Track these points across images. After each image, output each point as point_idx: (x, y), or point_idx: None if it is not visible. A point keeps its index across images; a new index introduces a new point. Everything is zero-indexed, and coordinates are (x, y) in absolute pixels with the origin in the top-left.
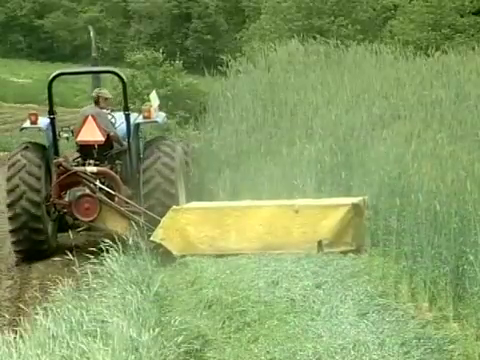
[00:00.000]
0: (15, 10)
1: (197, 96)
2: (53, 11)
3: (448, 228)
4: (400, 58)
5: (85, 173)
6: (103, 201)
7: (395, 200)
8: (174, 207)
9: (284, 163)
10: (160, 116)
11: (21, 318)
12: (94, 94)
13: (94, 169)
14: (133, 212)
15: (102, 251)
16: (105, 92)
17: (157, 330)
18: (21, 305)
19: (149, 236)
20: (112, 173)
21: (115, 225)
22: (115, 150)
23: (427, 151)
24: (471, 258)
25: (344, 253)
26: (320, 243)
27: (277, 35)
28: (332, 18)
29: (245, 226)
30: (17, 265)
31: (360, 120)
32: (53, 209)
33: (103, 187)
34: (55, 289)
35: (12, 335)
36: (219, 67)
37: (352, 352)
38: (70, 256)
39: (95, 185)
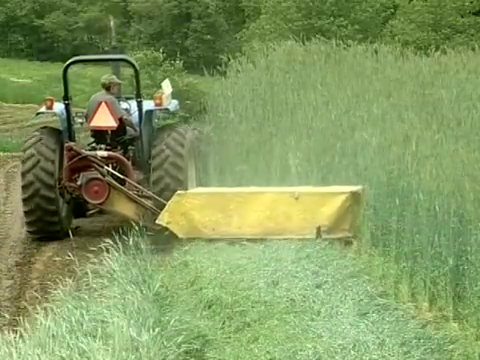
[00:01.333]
0: (15, 10)
1: (197, 96)
2: (53, 11)
3: (448, 228)
4: (400, 58)
5: (95, 157)
6: (112, 185)
7: (395, 200)
8: (179, 192)
9: (284, 163)
10: (172, 104)
11: (21, 318)
12: (105, 81)
13: (104, 153)
14: (142, 196)
15: (102, 250)
16: (114, 77)
17: (157, 330)
18: (21, 305)
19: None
20: (122, 158)
21: (124, 208)
22: (128, 136)
23: (427, 151)
24: (471, 258)
25: (342, 239)
26: (319, 229)
27: (277, 35)
28: (332, 18)
29: (247, 211)
30: (17, 265)
31: (360, 120)
32: (65, 191)
33: (112, 171)
34: (55, 289)
35: (12, 335)
36: (219, 67)
37: (352, 352)
38: (70, 256)
39: (107, 170)
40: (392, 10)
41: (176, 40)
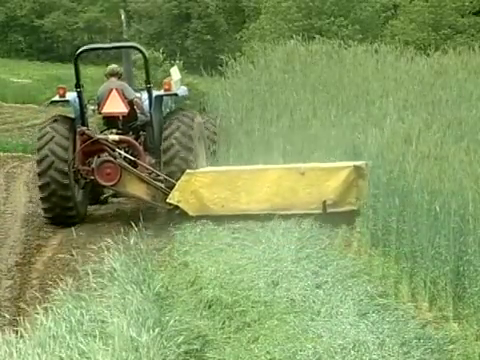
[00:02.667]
0: (15, 10)
1: (197, 96)
2: (53, 11)
3: (448, 228)
4: (400, 58)
5: (107, 141)
6: (123, 167)
7: (395, 200)
8: (188, 171)
9: (284, 162)
10: (181, 89)
11: (21, 318)
12: (113, 69)
13: (116, 137)
14: (154, 179)
15: (103, 250)
16: (118, 67)
17: (157, 330)
18: (21, 305)
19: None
20: (133, 141)
21: (135, 189)
22: (139, 122)
23: (427, 151)
24: (471, 258)
25: (348, 213)
26: (324, 203)
27: (277, 35)
28: (332, 18)
29: (254, 188)
30: (17, 265)
31: (360, 120)
32: (79, 176)
33: (124, 154)
34: (55, 289)
35: (12, 335)
36: (219, 67)
37: (352, 352)
38: (71, 255)
39: (119, 153)
40: (393, 11)
41: (176, 40)
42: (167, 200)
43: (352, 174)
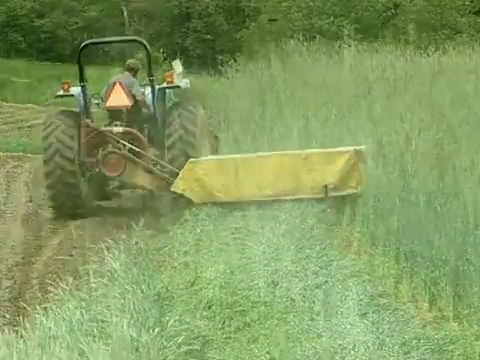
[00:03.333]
0: (15, 10)
1: (197, 96)
2: (53, 11)
3: (448, 228)
4: (400, 58)
5: (111, 132)
6: (128, 157)
7: (395, 200)
8: (191, 159)
9: None
10: (183, 82)
11: (21, 318)
12: (130, 64)
13: (120, 129)
14: (159, 170)
15: (103, 250)
16: (138, 63)
17: (157, 330)
18: (21, 305)
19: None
20: (137, 133)
21: (140, 179)
22: (143, 115)
23: (427, 151)
24: (471, 258)
25: (350, 196)
26: (326, 188)
27: (277, 35)
28: (332, 18)
29: (258, 175)
30: (17, 265)
31: (360, 120)
32: (84, 168)
33: (129, 145)
34: (55, 289)
35: (12, 335)
36: (219, 67)
37: (352, 352)
38: (71, 255)
39: (123, 145)
40: (393, 11)
41: (176, 40)
42: (171, 189)
43: (353, 158)
